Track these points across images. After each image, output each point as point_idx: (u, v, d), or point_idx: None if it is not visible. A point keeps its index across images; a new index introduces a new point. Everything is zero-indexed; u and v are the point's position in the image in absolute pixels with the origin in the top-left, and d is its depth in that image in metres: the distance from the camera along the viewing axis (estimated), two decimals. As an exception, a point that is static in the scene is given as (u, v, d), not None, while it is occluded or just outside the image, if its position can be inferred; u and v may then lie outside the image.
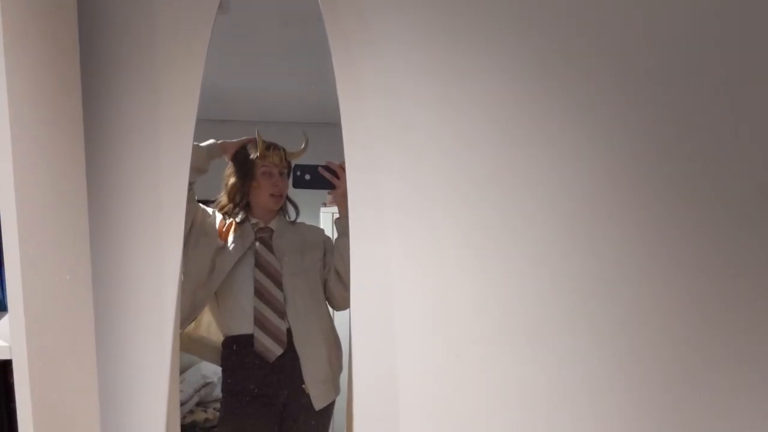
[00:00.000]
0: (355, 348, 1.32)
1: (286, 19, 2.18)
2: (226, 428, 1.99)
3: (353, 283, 1.30)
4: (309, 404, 1.95)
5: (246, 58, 2.59)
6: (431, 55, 1.26)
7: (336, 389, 2.03)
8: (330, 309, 2.08)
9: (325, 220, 2.78)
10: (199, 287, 1.91)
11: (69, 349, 1.11)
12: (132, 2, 1.17)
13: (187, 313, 1.91)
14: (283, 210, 2.07)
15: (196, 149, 1.79)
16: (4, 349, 0.94)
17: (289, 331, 1.93)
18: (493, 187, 1.31)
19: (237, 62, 2.62)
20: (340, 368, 2.05)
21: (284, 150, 1.99)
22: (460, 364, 1.33)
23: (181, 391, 2.95)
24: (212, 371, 3.11)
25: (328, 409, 2.03)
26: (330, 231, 2.13)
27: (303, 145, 2.01)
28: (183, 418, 2.92)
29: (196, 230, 1.90)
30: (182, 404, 2.92)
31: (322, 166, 1.70)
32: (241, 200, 1.98)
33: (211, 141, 1.89)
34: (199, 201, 1.94)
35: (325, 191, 2.10)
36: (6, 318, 0.99)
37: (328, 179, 1.70)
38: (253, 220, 1.99)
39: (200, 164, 1.82)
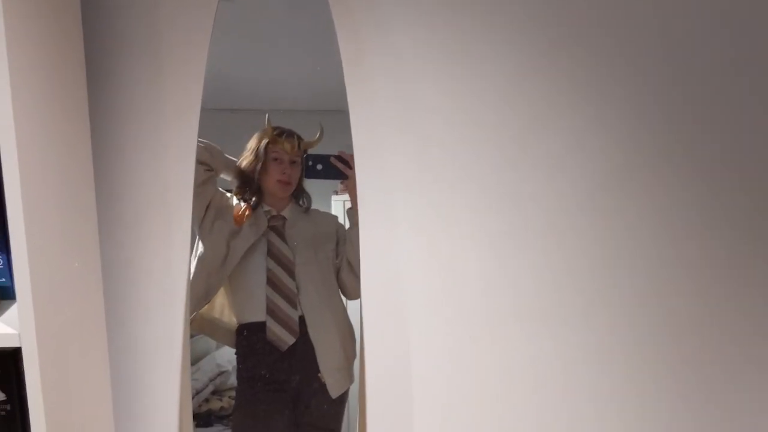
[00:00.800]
0: (367, 333, 1.31)
1: (295, 4, 2.17)
2: (240, 414, 2.00)
3: (363, 268, 1.29)
4: (322, 391, 1.96)
5: (257, 45, 2.58)
6: (439, 35, 1.25)
7: (351, 377, 2.04)
8: (343, 298, 2.08)
9: (337, 207, 2.78)
10: (213, 271, 1.91)
11: (79, 337, 1.11)
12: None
13: (201, 297, 1.92)
14: (296, 198, 2.06)
15: (212, 149, 1.85)
16: (14, 336, 0.94)
17: (301, 320, 1.93)
18: (505, 168, 1.29)
19: (248, 50, 2.61)
20: (354, 356, 2.05)
21: (299, 138, 1.98)
22: (473, 347, 1.32)
23: (196, 379, 2.97)
24: (227, 360, 3.13)
25: (343, 397, 2.04)
26: (342, 219, 2.13)
27: (318, 135, 2.00)
28: (198, 406, 2.94)
29: (212, 213, 1.90)
30: (197, 393, 2.94)
31: (335, 156, 1.69)
32: (250, 183, 1.98)
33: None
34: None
35: (339, 180, 2.09)
36: (15, 306, 0.99)
37: (340, 169, 1.69)
38: (266, 208, 1.99)
39: (212, 163, 1.86)
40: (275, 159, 1.95)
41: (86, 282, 1.13)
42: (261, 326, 1.92)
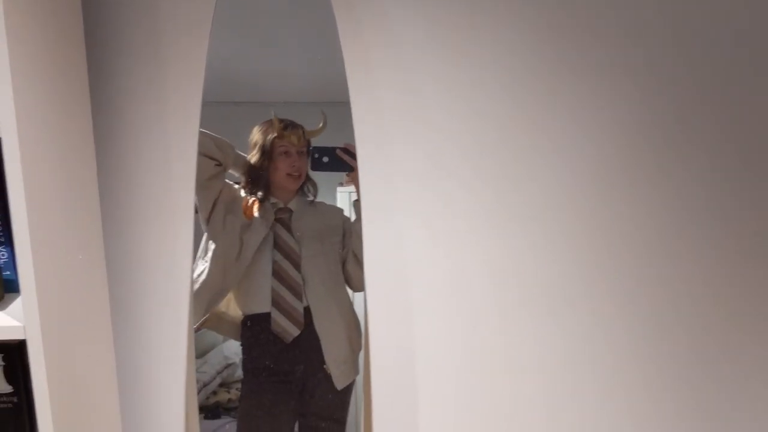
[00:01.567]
0: (372, 325, 1.31)
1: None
2: (245, 405, 2.01)
3: (366, 259, 1.29)
4: (328, 382, 1.97)
5: (260, 38, 2.58)
6: (440, 25, 1.24)
7: (356, 369, 2.05)
8: (349, 290, 2.08)
9: (342, 199, 2.78)
10: (229, 266, 1.92)
11: (84, 329, 1.11)
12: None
13: (218, 292, 1.93)
14: (302, 190, 2.06)
15: (222, 143, 1.86)
16: (19, 329, 0.95)
17: (307, 312, 1.93)
18: (507, 155, 1.29)
19: (250, 43, 2.60)
20: (360, 348, 2.06)
21: (303, 129, 1.98)
22: (478, 338, 1.32)
23: (203, 372, 2.98)
24: (234, 352, 3.15)
25: (349, 388, 2.05)
26: (347, 210, 2.12)
27: (321, 124, 2.00)
28: (206, 399, 2.96)
29: (222, 208, 1.91)
30: (205, 385, 2.95)
31: (340, 149, 1.69)
32: (260, 180, 1.98)
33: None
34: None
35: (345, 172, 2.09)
36: (20, 299, 1.00)
37: (346, 161, 1.68)
38: (273, 200, 1.99)
39: (219, 157, 1.86)
40: (284, 152, 1.96)
41: (90, 274, 1.14)
42: (266, 317, 1.93)
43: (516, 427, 1.36)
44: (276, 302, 1.92)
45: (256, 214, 1.96)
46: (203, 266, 1.89)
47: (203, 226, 1.92)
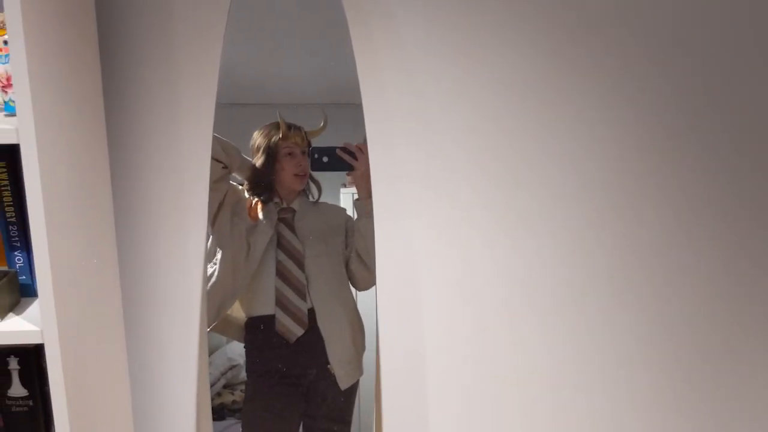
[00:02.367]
0: (382, 325, 1.32)
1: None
2: (249, 406, 2.01)
3: (378, 259, 1.30)
4: (332, 382, 1.97)
5: (264, 40, 2.58)
6: (450, 27, 1.25)
7: (360, 369, 2.05)
8: (353, 289, 2.09)
9: (346, 200, 2.78)
10: (237, 269, 1.92)
11: (99, 332, 1.12)
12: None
13: (228, 298, 1.93)
14: (305, 190, 2.07)
15: (231, 147, 1.86)
16: (36, 333, 0.95)
17: (311, 312, 1.94)
18: (516, 157, 1.29)
19: (255, 45, 2.60)
20: (363, 348, 2.06)
21: (304, 130, 1.99)
22: (488, 338, 1.33)
23: (209, 373, 2.98)
24: (238, 354, 3.14)
25: (353, 389, 2.05)
26: (351, 212, 2.13)
27: (322, 124, 2.01)
28: (210, 400, 2.95)
29: (228, 211, 1.91)
30: (209, 387, 2.95)
31: (340, 148, 1.69)
32: (265, 182, 1.99)
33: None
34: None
35: (345, 172, 2.09)
36: (36, 303, 1.01)
37: (346, 161, 1.69)
38: (276, 200, 2.00)
39: (229, 163, 1.87)
40: (289, 154, 1.96)
41: (104, 278, 1.15)
42: (270, 318, 1.93)
43: (525, 426, 1.37)
44: (280, 302, 1.92)
45: (260, 215, 1.97)
46: (212, 269, 1.90)
47: (209, 229, 1.92)
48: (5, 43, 0.96)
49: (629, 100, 1.30)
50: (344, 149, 1.69)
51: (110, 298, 1.18)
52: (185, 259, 1.23)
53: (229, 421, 2.85)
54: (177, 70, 1.18)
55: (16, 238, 1.05)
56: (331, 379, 1.96)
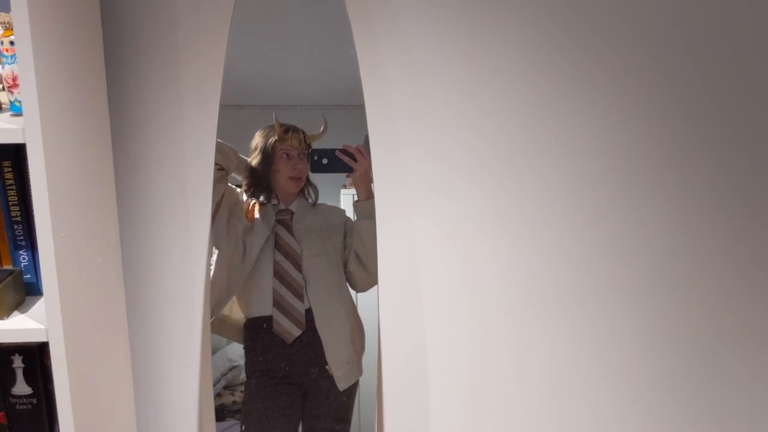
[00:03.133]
0: (384, 326, 1.32)
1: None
2: (249, 406, 2.02)
3: (380, 259, 1.30)
4: (331, 382, 1.97)
5: (263, 41, 2.58)
6: (452, 27, 1.25)
7: (359, 369, 2.05)
8: (353, 291, 2.09)
9: (346, 202, 2.78)
10: (233, 270, 1.93)
11: (102, 331, 1.13)
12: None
13: (222, 297, 1.94)
14: (303, 192, 2.08)
15: (230, 150, 1.86)
16: (41, 331, 0.96)
17: (309, 313, 1.94)
18: (518, 157, 1.30)
19: (254, 46, 2.61)
20: (362, 349, 2.06)
21: (304, 133, 1.99)
22: (490, 338, 1.33)
23: (208, 374, 2.98)
24: (238, 355, 3.14)
25: (352, 389, 2.05)
26: (351, 213, 2.13)
27: (322, 128, 2.01)
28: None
29: (226, 212, 1.92)
30: (209, 388, 2.95)
31: (339, 150, 1.70)
32: (261, 183, 2.00)
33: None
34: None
35: (345, 174, 2.09)
36: (41, 301, 1.01)
37: (345, 162, 1.70)
38: (274, 202, 2.01)
39: (228, 166, 1.87)
40: (285, 155, 1.97)
41: (108, 277, 1.15)
42: (268, 319, 1.94)
43: (527, 427, 1.38)
44: (277, 303, 1.93)
45: (257, 216, 1.97)
46: None
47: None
48: (11, 43, 0.97)
49: (633, 101, 1.30)
50: (344, 151, 1.70)
51: (114, 296, 1.18)
52: (188, 258, 1.23)
53: (229, 422, 2.85)
54: (181, 70, 1.19)
55: (21, 237, 1.06)
56: (330, 379, 1.97)
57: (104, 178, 1.15)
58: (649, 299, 1.35)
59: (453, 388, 1.35)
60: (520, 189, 1.30)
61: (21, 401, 1.05)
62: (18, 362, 1.03)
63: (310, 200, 2.09)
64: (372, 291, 1.98)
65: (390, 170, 1.28)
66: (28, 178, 0.90)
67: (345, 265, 2.04)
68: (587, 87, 1.29)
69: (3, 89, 1.04)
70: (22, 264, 1.07)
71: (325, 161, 1.69)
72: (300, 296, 1.94)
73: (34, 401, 1.05)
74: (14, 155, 1.01)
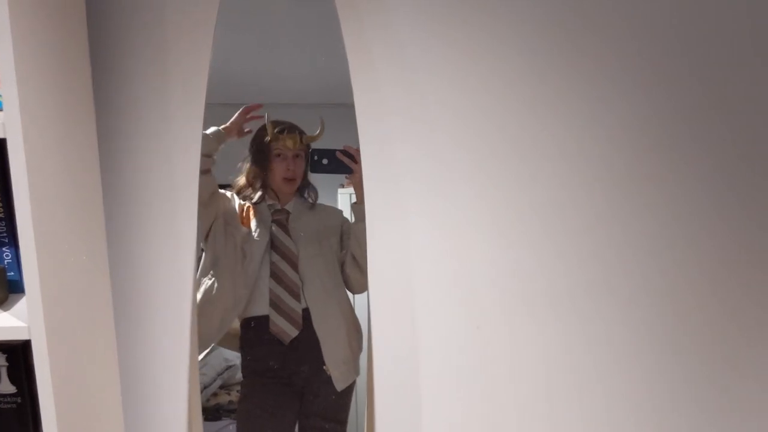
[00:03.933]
0: (374, 325, 1.32)
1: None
2: (245, 406, 2.02)
3: (370, 258, 1.29)
4: (328, 382, 1.97)
5: (258, 38, 2.57)
6: (443, 21, 1.25)
7: (356, 370, 2.04)
8: (349, 292, 2.08)
9: (343, 201, 2.78)
10: (236, 278, 1.92)
11: (88, 329, 1.12)
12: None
13: (229, 309, 1.92)
14: (300, 192, 2.06)
15: (204, 137, 1.79)
16: (23, 329, 0.95)
17: (306, 313, 1.93)
18: (511, 155, 1.29)
19: (249, 43, 2.60)
20: (360, 349, 2.06)
21: (302, 134, 1.98)
22: (481, 335, 1.33)
23: (204, 374, 2.97)
24: (234, 354, 3.13)
25: (349, 390, 2.05)
26: (348, 212, 2.12)
27: (319, 130, 1.99)
28: (206, 401, 2.95)
29: (222, 222, 1.91)
30: (205, 387, 2.95)
31: (340, 151, 1.69)
32: (256, 183, 1.99)
33: (213, 128, 1.85)
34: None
35: (344, 174, 2.08)
36: (24, 299, 1.00)
37: (346, 164, 1.69)
38: (270, 202, 2.00)
39: (210, 149, 1.81)
40: (278, 155, 1.95)
41: (94, 275, 1.14)
42: (264, 320, 1.93)
43: (519, 426, 1.37)
44: (274, 303, 1.92)
45: (252, 220, 1.96)
46: (209, 282, 1.90)
47: (201, 245, 1.91)
48: (-8, 37, 0.95)
49: (628, 98, 1.30)
50: (344, 152, 1.69)
51: (100, 294, 1.17)
52: (176, 255, 1.23)
53: (225, 422, 2.84)
54: (167, 65, 1.18)
55: (5, 234, 1.04)
56: (327, 379, 1.96)
57: (89, 175, 1.14)
58: (642, 299, 1.34)
59: (445, 388, 1.35)
60: (513, 188, 1.30)
61: (5, 400, 1.04)
62: (2, 360, 1.02)
63: (309, 200, 2.08)
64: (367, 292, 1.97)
65: (380, 168, 1.27)
66: (10, 174, 0.89)
67: (341, 267, 2.03)
68: (582, 85, 1.28)
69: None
70: (6, 261, 1.06)
71: (325, 161, 1.69)
72: (297, 296, 1.93)
73: (19, 400, 1.04)
74: (-5, 150, 1.00)
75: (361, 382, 2.08)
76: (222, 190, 1.97)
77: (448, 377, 1.34)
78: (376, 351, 1.33)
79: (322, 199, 2.14)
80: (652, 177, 1.32)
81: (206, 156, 1.79)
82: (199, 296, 1.89)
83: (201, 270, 1.94)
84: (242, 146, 2.02)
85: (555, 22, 1.26)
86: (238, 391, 3.01)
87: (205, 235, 1.90)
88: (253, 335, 1.97)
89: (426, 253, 1.30)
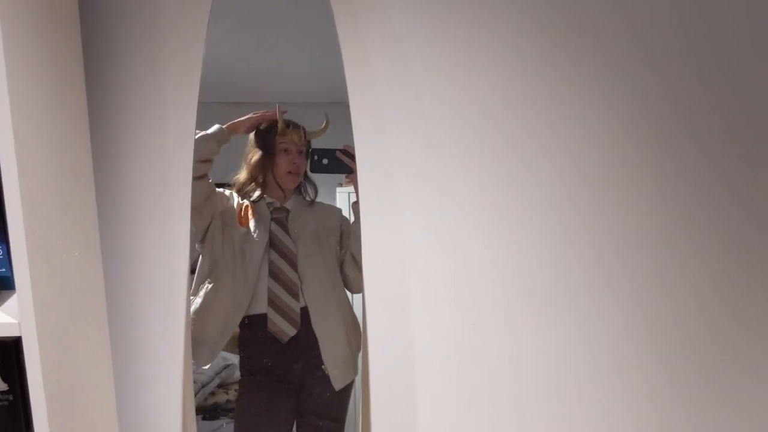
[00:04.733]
0: (370, 324, 1.31)
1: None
2: (242, 404, 2.01)
3: (365, 255, 1.29)
4: (326, 381, 1.96)
5: (260, 37, 2.57)
6: (439, 16, 1.24)
7: (355, 369, 2.04)
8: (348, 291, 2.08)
9: (342, 199, 2.77)
10: (236, 280, 1.91)
11: (80, 326, 1.11)
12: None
13: (231, 312, 1.91)
14: (300, 190, 2.06)
15: (204, 139, 1.79)
16: (14, 326, 0.94)
17: (304, 312, 1.93)
18: (508, 151, 1.29)
19: (251, 42, 2.60)
20: (358, 349, 2.05)
21: (304, 129, 1.98)
22: (477, 334, 1.32)
23: (201, 373, 2.97)
24: (233, 353, 3.13)
25: (348, 389, 2.05)
26: (347, 210, 2.12)
27: (324, 125, 1.99)
28: (205, 399, 2.95)
29: (220, 222, 1.91)
30: (204, 386, 2.95)
31: (340, 150, 1.69)
32: (259, 177, 1.98)
33: (216, 126, 1.86)
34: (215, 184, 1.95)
35: (344, 174, 2.08)
36: (15, 296, 1.00)
37: (345, 163, 1.68)
38: (269, 200, 1.99)
39: (211, 153, 1.81)
40: (284, 150, 1.96)
41: (86, 272, 1.13)
42: (263, 318, 1.92)
43: (517, 425, 1.36)
44: (272, 302, 1.92)
45: (251, 220, 1.96)
46: (209, 287, 1.89)
47: (197, 248, 1.91)
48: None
49: (625, 96, 1.29)
50: (344, 151, 1.68)
51: (93, 292, 1.17)
52: (170, 252, 1.22)
53: (223, 420, 2.84)
54: (160, 63, 1.18)
55: (-4, 230, 1.04)
56: (326, 378, 1.96)
57: (82, 171, 1.13)
58: (641, 297, 1.34)
59: (442, 386, 1.34)
60: (509, 184, 1.29)
61: (-3, 397, 1.04)
62: (-7, 357, 1.02)
63: (307, 198, 2.07)
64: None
65: (375, 164, 1.26)
66: (1, 172, 0.88)
67: (341, 267, 2.03)
68: (579, 80, 1.28)
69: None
70: (-3, 257, 1.05)
71: (325, 161, 1.69)
72: (295, 295, 1.93)
73: (10, 397, 1.04)
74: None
75: (359, 381, 2.08)
76: (220, 189, 1.97)
77: (443, 375, 1.33)
78: (372, 349, 1.32)
79: (322, 198, 2.14)
80: (652, 174, 1.31)
81: (206, 161, 1.80)
82: (199, 302, 1.88)
83: (198, 276, 1.93)
84: (242, 145, 2.01)
85: (552, 18, 1.26)
86: (236, 390, 3.00)
87: (201, 237, 1.90)
88: (251, 334, 1.96)
89: (421, 249, 1.30)
